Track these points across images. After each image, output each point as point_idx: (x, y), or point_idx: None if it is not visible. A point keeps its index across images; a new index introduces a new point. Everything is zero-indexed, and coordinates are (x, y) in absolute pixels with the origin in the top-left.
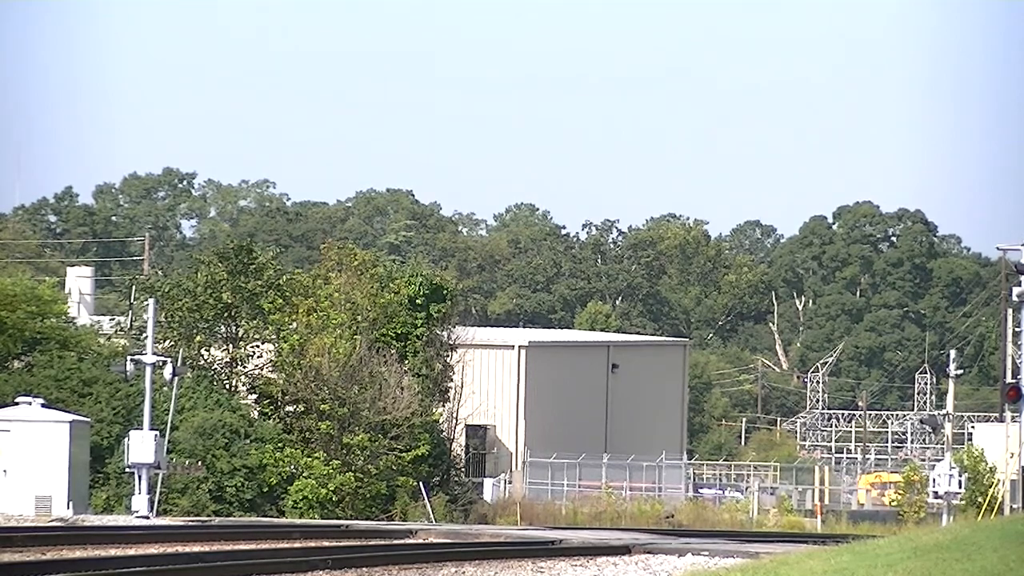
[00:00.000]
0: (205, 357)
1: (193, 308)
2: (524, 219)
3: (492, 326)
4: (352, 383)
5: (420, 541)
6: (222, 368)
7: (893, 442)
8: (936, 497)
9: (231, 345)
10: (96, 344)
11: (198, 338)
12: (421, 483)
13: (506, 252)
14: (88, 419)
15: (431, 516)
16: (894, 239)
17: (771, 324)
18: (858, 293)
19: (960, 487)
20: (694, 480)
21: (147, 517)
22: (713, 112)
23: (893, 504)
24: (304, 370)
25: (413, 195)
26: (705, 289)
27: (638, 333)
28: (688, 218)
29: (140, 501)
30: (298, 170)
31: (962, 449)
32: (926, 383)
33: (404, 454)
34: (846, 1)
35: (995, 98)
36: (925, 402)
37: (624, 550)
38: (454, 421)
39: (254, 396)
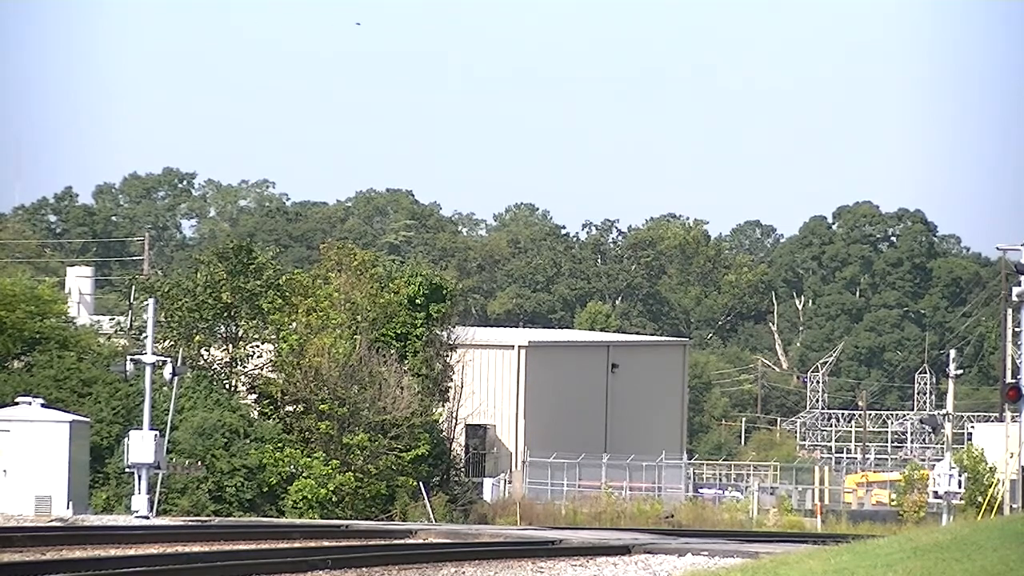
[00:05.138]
0: (205, 357)
1: (193, 308)
2: (524, 219)
3: (492, 326)
4: (352, 383)
5: (420, 541)
6: (222, 368)
7: (893, 442)
8: (936, 497)
9: (231, 345)
10: (96, 344)
11: (198, 338)
12: (421, 483)
13: (506, 252)
14: (88, 419)
15: (431, 516)
16: (894, 239)
17: (771, 324)
18: (858, 293)
19: (960, 487)
20: (694, 480)
21: (147, 517)
22: (713, 112)
23: (893, 504)
24: (304, 370)
25: (413, 195)
26: (705, 289)
27: (638, 333)
28: (688, 218)
29: (140, 501)
30: (298, 170)
31: (962, 449)
32: (926, 383)
33: (404, 454)
34: (847, 1)
35: (995, 98)
36: (925, 402)
37: (624, 550)
38: (454, 421)
39: (254, 396)
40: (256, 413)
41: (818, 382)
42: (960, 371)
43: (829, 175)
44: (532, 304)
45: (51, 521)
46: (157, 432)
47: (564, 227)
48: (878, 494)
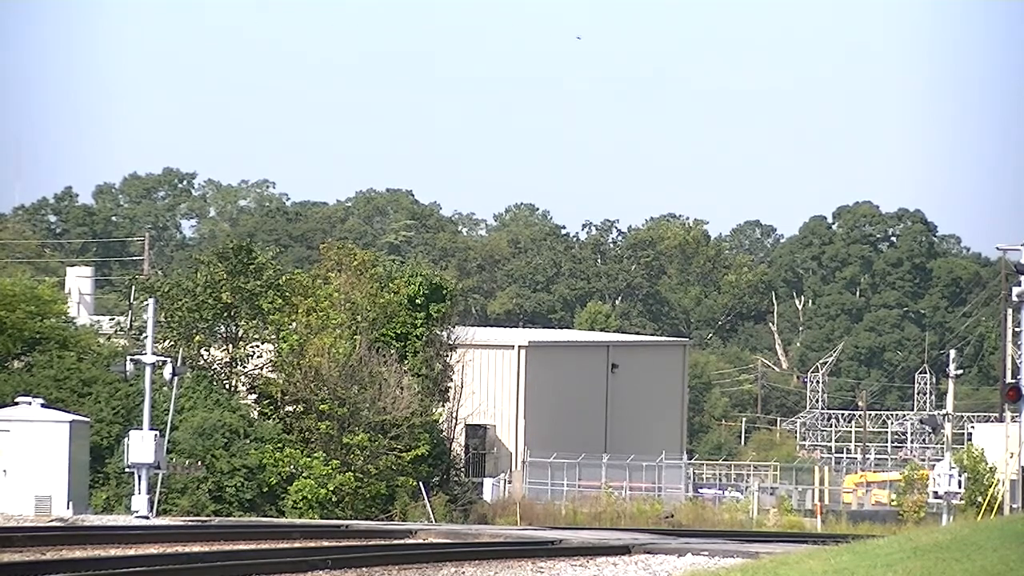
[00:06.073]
0: (205, 357)
1: (193, 308)
2: (524, 219)
3: (492, 326)
4: (352, 383)
5: (420, 541)
6: (222, 368)
7: (893, 442)
8: (936, 497)
9: (231, 345)
10: (96, 344)
11: (198, 338)
12: (421, 483)
13: (506, 252)
14: (88, 419)
15: (431, 516)
16: (894, 239)
17: (771, 324)
18: (858, 293)
19: (960, 487)
20: (694, 480)
21: (147, 517)
22: (713, 112)
23: (893, 504)
24: (304, 370)
25: (413, 195)
26: (705, 289)
27: (638, 333)
28: (688, 218)
29: (140, 501)
30: (298, 170)
31: (962, 449)
32: (926, 383)
33: (404, 454)
34: (847, 1)
35: (995, 98)
36: (925, 402)
37: (624, 550)
38: (454, 421)
39: (254, 396)
40: (256, 413)
41: (818, 382)
42: (960, 371)
43: (829, 175)
44: (532, 304)
45: (51, 521)
46: (157, 432)
47: (564, 227)
48: (877, 494)
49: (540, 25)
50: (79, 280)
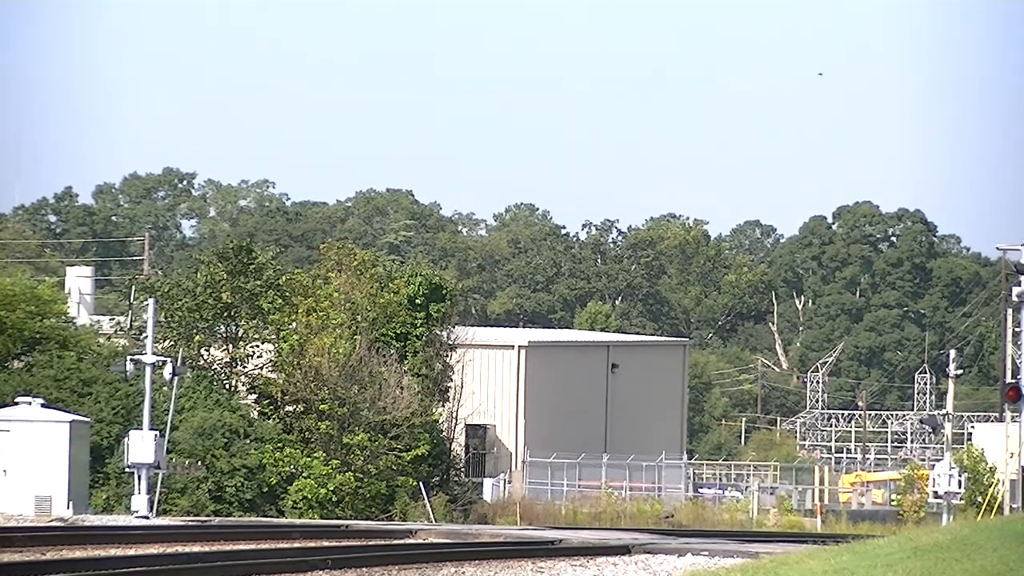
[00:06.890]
0: (205, 357)
1: (193, 308)
2: (524, 219)
3: (492, 326)
4: (352, 383)
5: (420, 541)
6: (222, 368)
7: (893, 442)
8: (936, 497)
9: (231, 345)
10: (96, 344)
11: (198, 338)
12: (421, 483)
13: (506, 252)
14: (88, 419)
15: (431, 516)
16: (894, 239)
17: (771, 324)
18: (858, 293)
19: (960, 487)
20: (694, 480)
21: (147, 517)
22: (713, 112)
23: (894, 504)
24: (304, 370)
25: (413, 195)
26: (705, 289)
27: (638, 333)
28: (688, 218)
29: (140, 501)
30: (298, 170)
31: (962, 449)
32: (926, 383)
33: (404, 454)
34: (846, 2)
35: (995, 98)
36: (925, 402)
37: (624, 550)
38: (454, 421)
39: (254, 396)
40: (256, 413)
41: (818, 382)
42: (960, 371)
43: (829, 175)
44: (532, 304)
45: (51, 521)
46: (157, 432)
47: (564, 227)
48: (873, 494)
49: (540, 25)
50: (79, 280)
